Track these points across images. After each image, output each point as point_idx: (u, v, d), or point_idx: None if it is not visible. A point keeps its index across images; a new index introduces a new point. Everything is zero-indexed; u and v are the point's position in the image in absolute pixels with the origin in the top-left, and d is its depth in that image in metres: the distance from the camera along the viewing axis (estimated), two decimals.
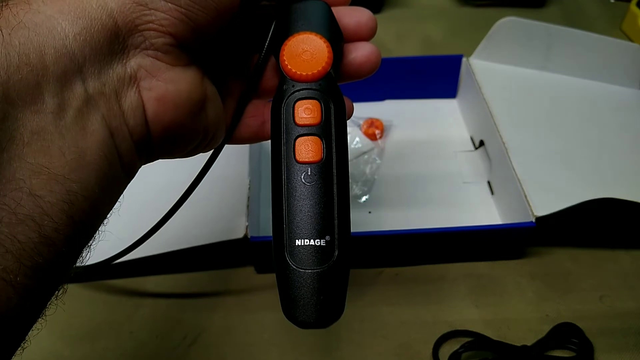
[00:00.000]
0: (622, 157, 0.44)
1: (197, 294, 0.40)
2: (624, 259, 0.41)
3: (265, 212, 0.44)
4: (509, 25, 0.49)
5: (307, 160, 0.22)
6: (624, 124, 0.47)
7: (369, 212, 0.45)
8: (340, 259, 0.21)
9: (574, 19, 0.66)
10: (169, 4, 0.19)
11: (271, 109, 0.23)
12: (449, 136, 0.51)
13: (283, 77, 0.23)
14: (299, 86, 0.23)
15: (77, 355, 0.36)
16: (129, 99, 0.20)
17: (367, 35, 0.25)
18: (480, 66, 0.51)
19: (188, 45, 0.21)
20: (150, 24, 0.19)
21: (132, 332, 0.38)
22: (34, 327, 0.18)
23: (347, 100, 0.25)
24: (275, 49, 0.24)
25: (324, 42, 0.23)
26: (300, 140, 0.22)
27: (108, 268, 0.35)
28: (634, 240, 0.42)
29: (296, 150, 0.22)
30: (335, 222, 0.21)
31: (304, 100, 0.23)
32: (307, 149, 0.22)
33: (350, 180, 0.47)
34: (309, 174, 0.22)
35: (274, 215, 0.22)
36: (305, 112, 0.22)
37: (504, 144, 0.43)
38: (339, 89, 0.24)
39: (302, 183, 0.22)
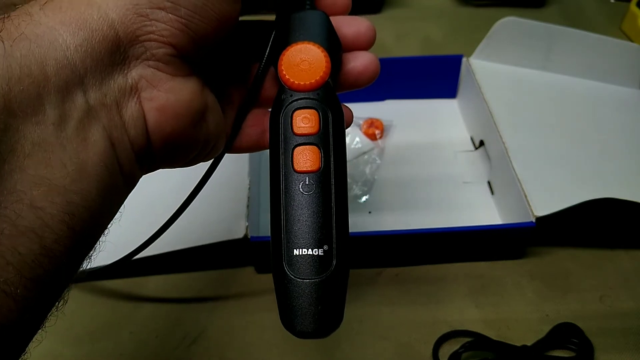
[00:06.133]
0: (622, 157, 0.44)
1: (197, 294, 0.40)
2: (624, 259, 0.41)
3: (265, 213, 0.44)
4: (509, 25, 0.49)
5: (305, 169, 0.22)
6: (624, 124, 0.47)
7: (369, 212, 0.45)
8: (339, 268, 0.21)
9: (574, 19, 0.66)
10: (170, 15, 0.20)
11: (270, 119, 0.24)
12: (449, 136, 0.51)
13: (281, 86, 0.23)
14: (297, 96, 0.23)
15: (77, 356, 0.36)
16: (130, 109, 0.20)
17: (366, 45, 0.26)
18: (480, 66, 0.51)
19: (189, 56, 0.21)
20: (151, 35, 0.19)
21: (132, 332, 0.38)
22: (34, 339, 0.18)
23: (346, 109, 0.25)
24: (274, 58, 0.24)
25: (322, 51, 0.23)
26: (298, 149, 0.22)
27: (108, 269, 0.35)
28: (634, 240, 0.42)
29: (294, 160, 0.22)
30: (334, 231, 0.21)
31: (302, 110, 0.23)
32: (305, 158, 0.22)
33: (350, 181, 0.47)
34: (307, 183, 0.22)
35: (272, 224, 0.22)
36: (303, 121, 0.22)
37: (504, 144, 0.43)
38: (337, 98, 0.24)
39: (300, 192, 0.22)
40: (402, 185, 0.47)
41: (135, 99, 0.20)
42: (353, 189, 0.46)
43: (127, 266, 0.38)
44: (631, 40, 0.61)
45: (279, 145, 0.22)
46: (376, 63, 0.25)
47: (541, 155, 0.43)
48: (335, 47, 0.24)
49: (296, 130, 0.22)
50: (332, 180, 0.22)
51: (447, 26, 0.66)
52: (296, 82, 0.23)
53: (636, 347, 0.36)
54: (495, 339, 0.35)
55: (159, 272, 0.41)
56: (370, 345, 0.36)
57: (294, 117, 0.23)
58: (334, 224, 0.21)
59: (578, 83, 0.50)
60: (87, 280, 0.40)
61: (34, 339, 0.18)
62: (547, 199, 0.38)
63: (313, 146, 0.22)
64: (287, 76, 0.23)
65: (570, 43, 0.50)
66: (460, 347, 0.35)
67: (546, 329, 0.36)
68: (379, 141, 0.50)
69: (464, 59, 0.52)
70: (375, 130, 0.50)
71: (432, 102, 0.55)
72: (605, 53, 0.49)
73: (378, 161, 0.49)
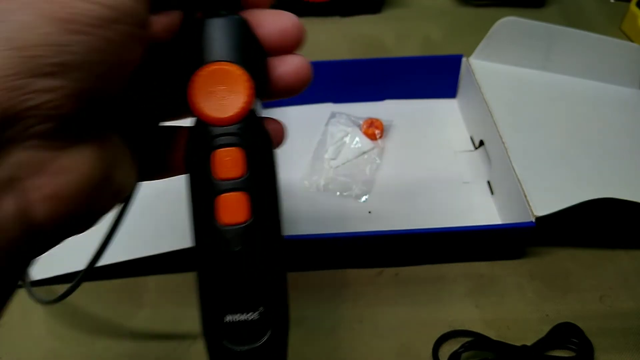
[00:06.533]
0: (622, 157, 0.44)
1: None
2: (624, 259, 0.41)
3: None
4: (509, 25, 0.49)
5: (231, 222, 0.19)
6: (624, 124, 0.47)
7: (369, 212, 0.45)
8: (276, 331, 0.19)
9: (574, 19, 0.66)
10: (56, 82, 0.15)
11: (184, 160, 0.19)
12: (449, 136, 0.51)
13: (196, 119, 0.19)
14: (215, 131, 0.19)
15: (77, 356, 0.36)
16: (6, 208, 0.15)
17: (295, 45, 0.22)
18: (480, 66, 0.51)
19: (82, 120, 0.17)
20: (32, 110, 0.15)
21: (132, 332, 0.38)
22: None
23: (276, 125, 0.22)
24: (184, 82, 0.19)
25: (243, 74, 0.19)
26: (221, 198, 0.19)
27: (106, 269, 0.35)
28: (634, 240, 0.42)
29: (217, 211, 0.19)
30: (268, 291, 0.19)
31: (223, 149, 0.19)
32: (230, 208, 0.19)
33: (350, 180, 0.47)
34: (235, 237, 0.19)
35: (199, 286, 0.19)
36: (226, 163, 0.19)
37: (504, 144, 0.43)
38: (263, 126, 0.20)
39: (228, 249, 0.19)
40: (402, 185, 0.47)
41: (12, 194, 0.16)
42: (353, 189, 0.46)
43: (127, 266, 0.38)
44: (631, 40, 0.61)
45: (198, 193, 0.19)
46: (307, 67, 0.22)
47: (541, 155, 0.43)
48: (257, 58, 0.20)
49: (218, 174, 0.19)
50: (265, 231, 0.19)
51: (447, 26, 0.66)
52: (212, 115, 0.19)
53: (636, 347, 0.36)
54: (495, 339, 0.35)
55: (159, 272, 0.41)
56: (370, 345, 0.36)
57: (213, 159, 0.19)
58: (268, 284, 0.19)
59: (578, 83, 0.50)
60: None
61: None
62: (547, 199, 0.38)
63: (239, 192, 0.19)
64: (201, 107, 0.19)
65: (570, 43, 0.50)
66: (460, 347, 0.35)
67: (546, 329, 0.36)
68: (379, 141, 0.50)
69: (463, 59, 0.52)
70: (375, 130, 0.50)
71: (432, 102, 0.55)
72: (605, 53, 0.49)
73: (378, 161, 0.49)
